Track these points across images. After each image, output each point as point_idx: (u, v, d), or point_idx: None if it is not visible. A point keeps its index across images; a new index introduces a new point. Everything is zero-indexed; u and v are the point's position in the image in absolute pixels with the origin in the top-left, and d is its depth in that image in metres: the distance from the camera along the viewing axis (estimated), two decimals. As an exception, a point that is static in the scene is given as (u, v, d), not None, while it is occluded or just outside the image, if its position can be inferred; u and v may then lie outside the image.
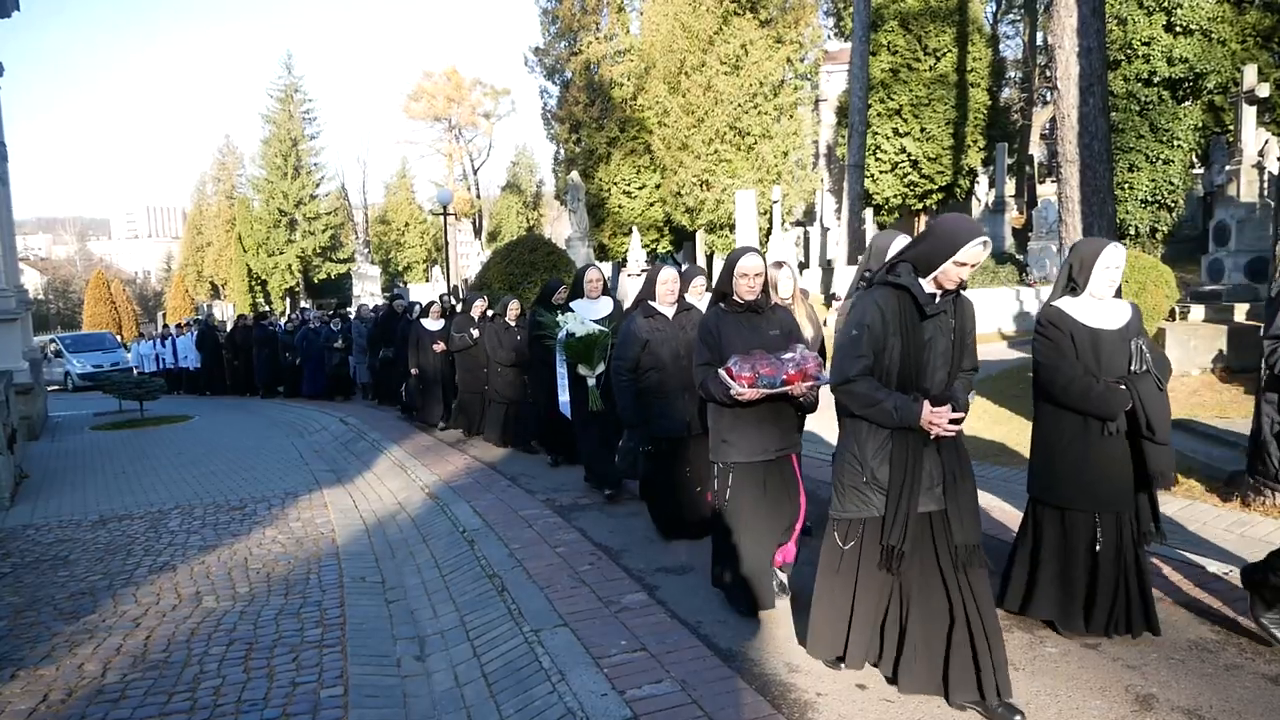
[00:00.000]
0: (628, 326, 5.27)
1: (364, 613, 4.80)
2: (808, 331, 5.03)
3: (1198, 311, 11.31)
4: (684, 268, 6.33)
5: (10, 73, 12.23)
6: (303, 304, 43.13)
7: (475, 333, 9.38)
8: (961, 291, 3.22)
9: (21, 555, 6.28)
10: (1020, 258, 19.94)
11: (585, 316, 6.45)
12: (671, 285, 5.31)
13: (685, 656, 3.65)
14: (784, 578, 4.26)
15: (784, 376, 3.80)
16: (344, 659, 4.14)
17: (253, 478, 8.85)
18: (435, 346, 10.47)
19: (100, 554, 6.19)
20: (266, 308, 43.00)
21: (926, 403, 3.08)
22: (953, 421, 3.08)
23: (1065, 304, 3.67)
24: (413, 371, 10.94)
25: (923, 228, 3.13)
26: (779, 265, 5.07)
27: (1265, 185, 13.34)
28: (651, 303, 5.30)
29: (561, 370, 6.62)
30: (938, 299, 3.13)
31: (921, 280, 3.11)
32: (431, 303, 11.45)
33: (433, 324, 10.87)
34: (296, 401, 16.39)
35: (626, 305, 7.84)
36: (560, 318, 6.43)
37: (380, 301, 24.60)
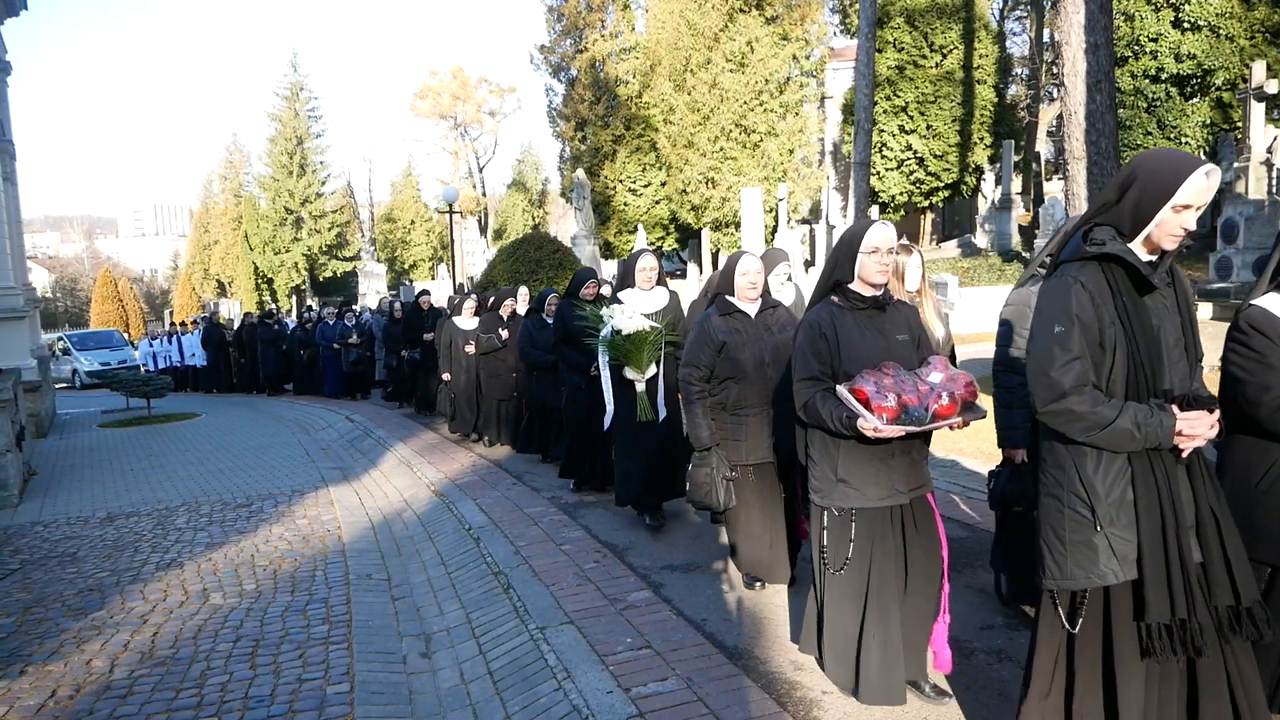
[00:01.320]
0: (700, 326, 4.33)
1: (370, 610, 4.82)
2: (938, 332, 4.16)
3: (1205, 309, 11.28)
4: (764, 251, 5.33)
5: (18, 71, 12.27)
6: (309, 301, 43.24)
7: (505, 334, 8.52)
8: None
9: (30, 552, 6.31)
10: (1027, 255, 19.88)
11: (635, 310, 5.43)
12: (754, 278, 4.30)
13: (691, 654, 3.65)
14: (942, 683, 3.26)
15: (934, 408, 2.86)
16: (350, 656, 4.15)
17: (259, 475, 8.87)
18: (466, 348, 9.32)
19: (108, 551, 6.22)
20: (272, 305, 43.11)
21: (1174, 408, 2.26)
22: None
23: (1273, 303, 2.78)
24: (444, 377, 9.66)
25: (1120, 172, 2.38)
26: (907, 250, 4.11)
27: (1274, 182, 13.29)
28: (729, 298, 4.31)
29: (605, 374, 5.65)
30: (1157, 267, 2.35)
31: (1131, 244, 2.34)
32: (465, 297, 9.97)
33: (466, 322, 9.57)
34: (303, 399, 16.43)
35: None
36: (605, 311, 5.48)
37: (387, 294, 24.60)
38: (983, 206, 24.93)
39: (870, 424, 2.82)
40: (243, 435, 12.03)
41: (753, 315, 4.29)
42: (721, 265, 4.62)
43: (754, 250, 5.87)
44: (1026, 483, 3.55)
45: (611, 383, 5.63)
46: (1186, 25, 18.40)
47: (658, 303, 5.66)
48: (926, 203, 26.17)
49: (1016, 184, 24.50)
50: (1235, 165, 14.04)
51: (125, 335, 36.09)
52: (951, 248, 25.11)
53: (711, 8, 25.85)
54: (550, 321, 7.50)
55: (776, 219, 24.24)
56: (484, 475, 7.70)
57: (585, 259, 19.19)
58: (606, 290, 6.56)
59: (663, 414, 5.50)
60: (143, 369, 23.07)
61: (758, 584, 4.40)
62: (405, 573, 5.55)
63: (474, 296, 9.42)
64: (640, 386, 5.43)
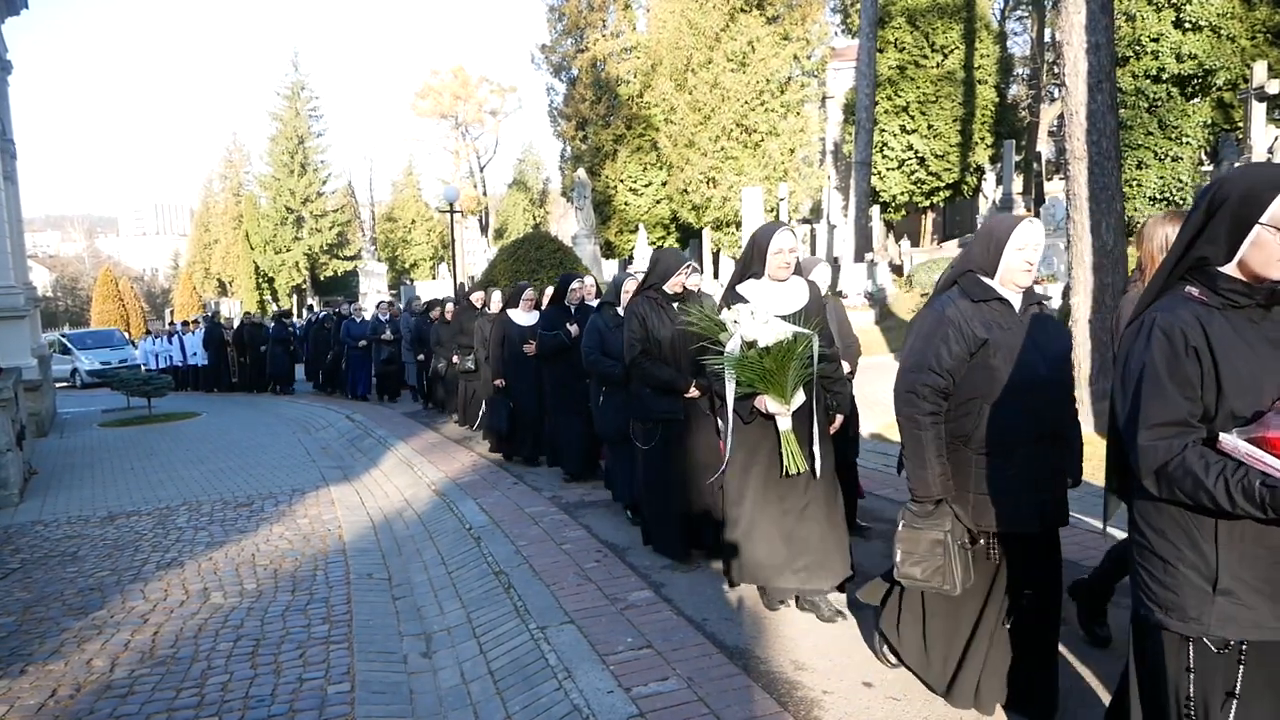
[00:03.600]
0: (939, 314, 2.92)
1: (371, 609, 4.81)
2: None
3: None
4: (1023, 218, 3.05)
5: (19, 70, 12.28)
6: (309, 301, 43.25)
7: (575, 329, 6.80)
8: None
9: (30, 551, 6.31)
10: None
11: (769, 311, 3.85)
12: (1031, 254, 2.90)
13: (691, 654, 3.65)
14: None
15: None
16: (351, 655, 4.15)
17: (260, 475, 8.87)
18: (526, 348, 7.56)
19: (108, 550, 6.22)
20: (280, 305, 43.13)
21: None
22: None
23: None
24: (496, 384, 8.03)
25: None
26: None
27: (1275, 182, 13.27)
28: (984, 279, 2.95)
29: (729, 406, 3.93)
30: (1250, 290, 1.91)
31: (1223, 268, 1.94)
32: (521, 288, 8.10)
33: (524, 317, 7.84)
34: (304, 398, 16.43)
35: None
36: (727, 314, 3.91)
37: (385, 297, 24.55)
38: (984, 206, 24.92)
39: None
40: (243, 434, 12.03)
41: (1017, 307, 2.92)
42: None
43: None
44: None
45: (733, 418, 3.95)
46: (1188, 25, 18.37)
47: (796, 299, 4.00)
48: (927, 202, 26.16)
49: (1018, 184, 24.49)
50: (1236, 165, 14.05)
51: (126, 335, 36.10)
52: (952, 248, 25.11)
53: (713, 7, 25.85)
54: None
55: (777, 218, 24.23)
56: (485, 475, 7.69)
57: (586, 259, 19.19)
58: (696, 280, 5.01)
59: (818, 463, 3.87)
60: (143, 368, 23.09)
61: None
62: (406, 572, 5.55)
63: (581, 279, 7.53)
64: (785, 423, 3.80)
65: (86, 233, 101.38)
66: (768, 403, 3.80)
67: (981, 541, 2.92)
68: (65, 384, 25.29)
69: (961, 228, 29.15)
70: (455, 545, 5.77)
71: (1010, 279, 2.90)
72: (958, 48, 24.10)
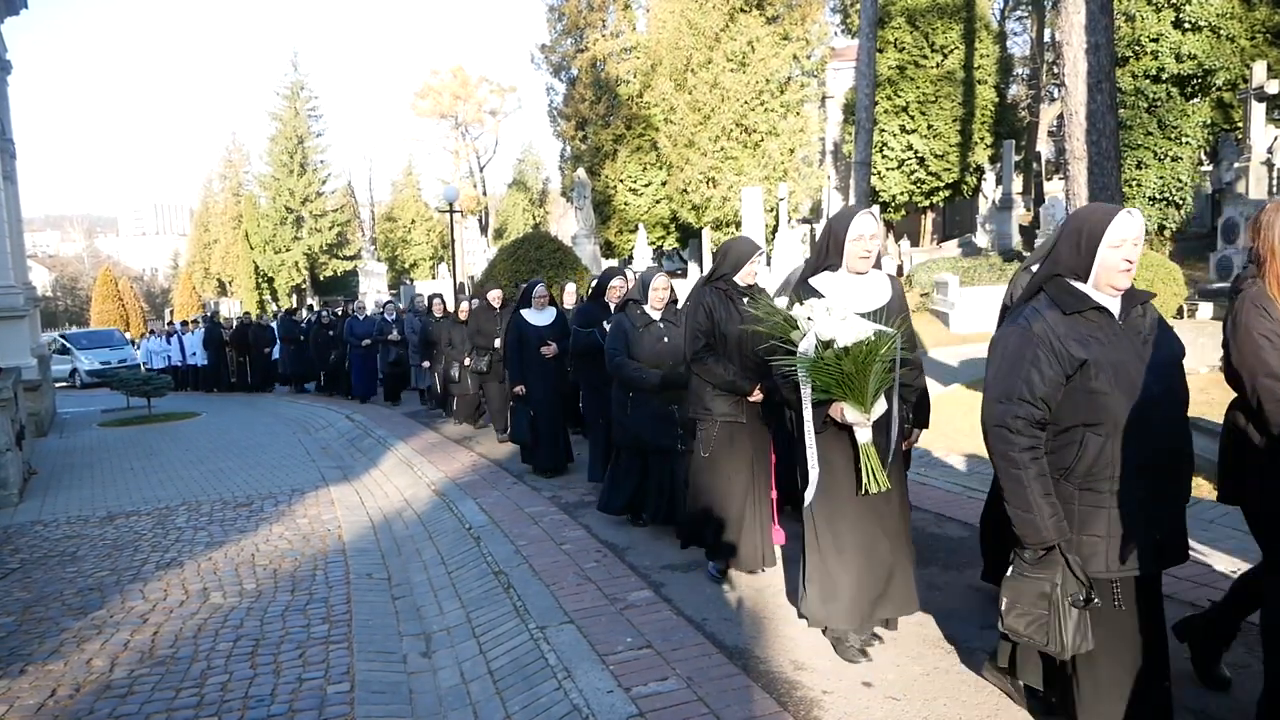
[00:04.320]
0: (1026, 325, 2.54)
1: (370, 609, 4.81)
2: None
3: (1206, 309, 11.28)
4: (1118, 209, 2.61)
5: (18, 70, 12.27)
6: (309, 301, 43.24)
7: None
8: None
9: (30, 551, 6.31)
10: (1028, 255, 19.87)
11: (848, 307, 3.39)
12: (1131, 251, 2.53)
13: (691, 654, 3.65)
14: None
15: None
16: (350, 655, 4.15)
17: (260, 475, 8.87)
18: (544, 350, 7.11)
19: (108, 550, 6.22)
20: (280, 305, 43.13)
21: None
22: None
23: None
24: (515, 391, 7.38)
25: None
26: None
27: (1274, 182, 13.28)
28: (1076, 284, 2.56)
29: (806, 414, 3.46)
30: None
31: None
32: (533, 284, 7.59)
33: (538, 317, 7.32)
34: (303, 398, 16.43)
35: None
36: (801, 310, 3.44)
37: (386, 296, 24.51)
38: (983, 206, 24.91)
39: None
40: (243, 434, 12.03)
41: (1116, 314, 2.55)
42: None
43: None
44: None
45: (814, 433, 3.46)
46: (1187, 25, 18.37)
47: (877, 294, 3.52)
48: (927, 202, 26.16)
49: (1017, 184, 24.51)
50: (1236, 165, 14.03)
51: (127, 334, 36.11)
52: (952, 247, 25.11)
53: (712, 7, 25.84)
54: (652, 314, 5.27)
55: (777, 218, 24.22)
56: (484, 475, 7.69)
57: (586, 259, 19.17)
58: (756, 271, 4.47)
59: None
60: (143, 368, 23.08)
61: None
62: (406, 572, 5.55)
63: (624, 275, 6.88)
64: (865, 435, 3.36)
65: (86, 232, 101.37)
66: (845, 411, 3.32)
67: (1097, 600, 2.48)
68: (65, 384, 25.29)
69: (961, 228, 29.14)
70: (455, 545, 5.77)
71: (1108, 282, 2.51)
72: (957, 48, 24.09)
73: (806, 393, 3.39)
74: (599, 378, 6.16)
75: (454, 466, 8.17)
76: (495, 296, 9.52)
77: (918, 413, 3.77)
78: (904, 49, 24.22)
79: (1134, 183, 18.72)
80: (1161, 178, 18.85)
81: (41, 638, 4.56)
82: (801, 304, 3.44)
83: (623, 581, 4.62)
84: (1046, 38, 31.51)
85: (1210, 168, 20.45)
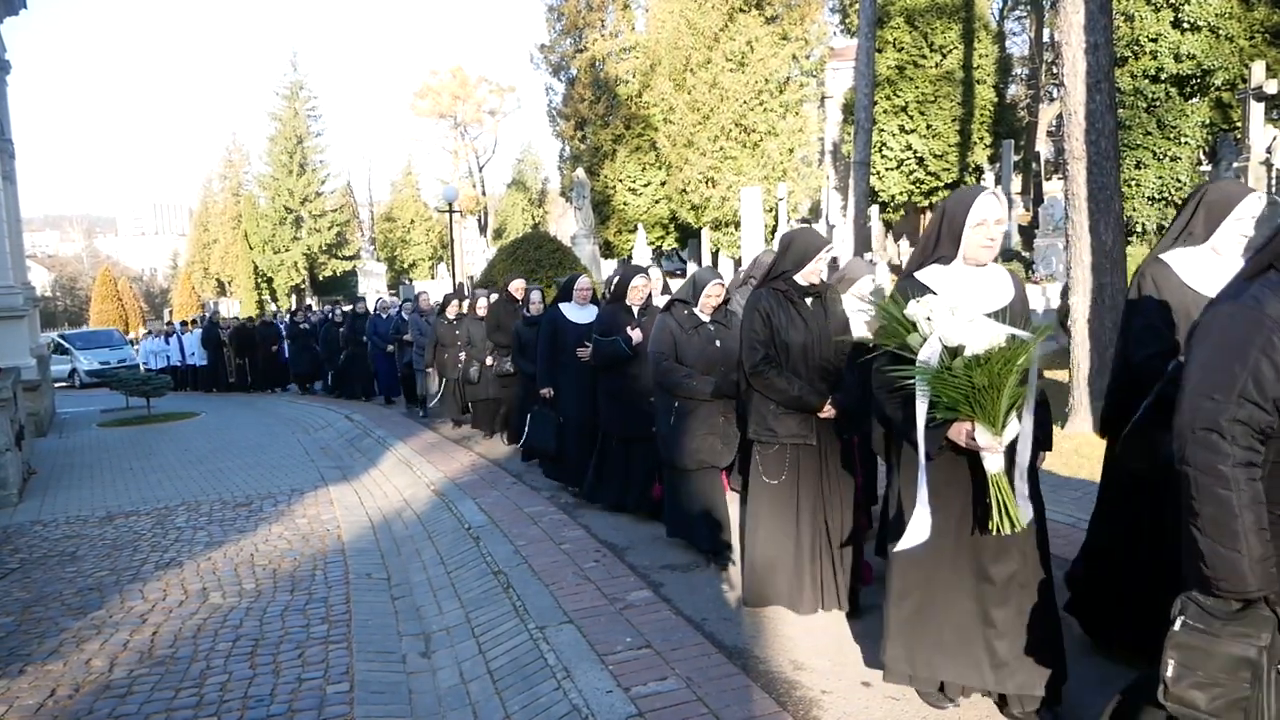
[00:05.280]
0: (1247, 319, 1.92)
1: (370, 609, 4.81)
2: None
3: (1205, 309, 11.28)
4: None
5: (18, 70, 12.26)
6: (309, 300, 43.23)
7: (636, 335, 5.56)
8: None
9: (29, 551, 6.31)
10: (1027, 255, 19.89)
11: (972, 307, 2.83)
12: None
13: (691, 654, 3.65)
14: None
15: None
16: (350, 655, 4.15)
17: (259, 475, 8.87)
18: (580, 351, 6.21)
19: (107, 550, 6.22)
20: (279, 305, 43.16)
21: None
22: None
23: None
24: (544, 394, 6.63)
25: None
26: None
27: (1273, 181, 13.29)
28: None
29: (920, 437, 2.84)
30: None
31: None
32: (574, 278, 6.86)
33: (579, 313, 6.56)
34: (304, 398, 16.42)
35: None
36: (914, 308, 2.84)
37: (391, 296, 24.37)
38: (982, 206, 24.95)
39: None
40: (242, 434, 12.02)
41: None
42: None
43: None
44: None
45: (926, 462, 2.85)
46: (1186, 25, 18.39)
47: (999, 292, 3.00)
48: (926, 202, 26.18)
49: (1016, 184, 24.54)
50: (1235, 165, 14.05)
51: (127, 334, 36.12)
52: (951, 247, 25.12)
53: (711, 7, 25.86)
54: (698, 314, 4.80)
55: (776, 218, 24.25)
56: (484, 475, 7.69)
57: (585, 259, 19.18)
58: (823, 269, 3.91)
59: (1027, 515, 2.84)
60: (143, 368, 23.08)
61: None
62: (405, 572, 5.55)
63: (647, 273, 6.14)
64: (996, 463, 2.78)
65: (85, 232, 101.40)
66: (976, 433, 2.73)
67: None
68: (64, 384, 25.29)
69: (960, 227, 29.16)
70: (454, 545, 5.77)
71: None
72: (956, 47, 24.13)
73: (923, 410, 2.77)
74: (626, 388, 5.60)
75: (453, 466, 8.17)
76: (518, 287, 8.64)
77: (1043, 432, 3.00)
78: (903, 49, 24.25)
79: (1133, 182, 18.75)
80: (1160, 177, 18.87)
81: (41, 638, 4.55)
82: (918, 302, 2.83)
83: (622, 581, 4.62)
84: (1045, 37, 31.52)
85: (1209, 167, 20.46)
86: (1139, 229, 19.14)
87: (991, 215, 2.90)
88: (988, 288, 2.96)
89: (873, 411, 3.53)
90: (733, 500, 4.80)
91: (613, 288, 6.11)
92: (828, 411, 3.79)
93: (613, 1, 31.08)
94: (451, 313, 10.51)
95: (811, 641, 3.73)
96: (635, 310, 5.76)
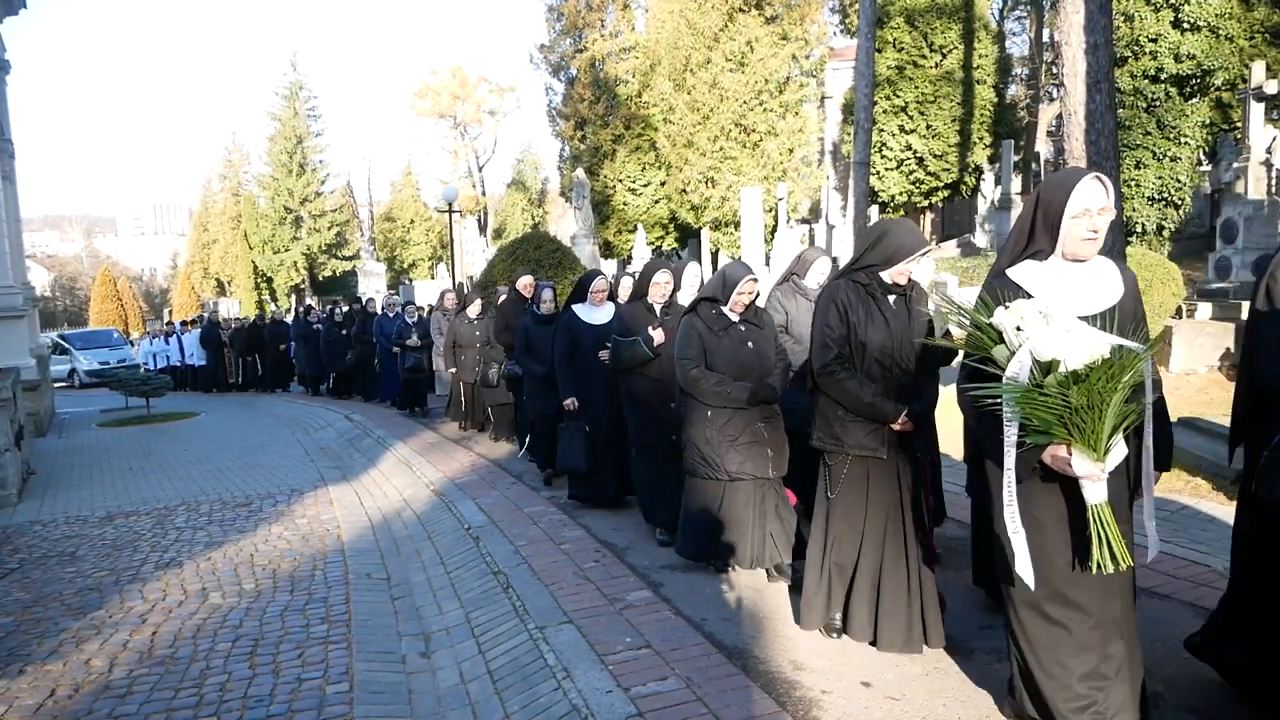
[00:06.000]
0: None
1: (369, 609, 4.81)
2: None
3: (1205, 309, 11.27)
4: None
5: (18, 70, 12.25)
6: (308, 300, 43.23)
7: (658, 334, 5.15)
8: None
9: (29, 551, 6.31)
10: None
11: (1069, 313, 2.48)
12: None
13: (690, 654, 3.65)
14: None
15: None
16: (349, 655, 4.15)
17: (259, 475, 8.87)
18: (602, 354, 5.82)
19: (107, 550, 6.22)
20: (279, 305, 43.17)
21: None
22: None
23: None
24: (567, 405, 6.07)
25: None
26: None
27: (1273, 182, 13.29)
28: None
29: (1008, 462, 2.50)
30: None
31: None
32: (593, 275, 6.37)
33: (596, 314, 6.15)
34: (303, 399, 16.40)
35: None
36: (1005, 316, 2.51)
37: (398, 296, 24.27)
38: (982, 206, 24.93)
39: None
40: (242, 435, 12.02)
41: None
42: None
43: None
44: None
45: (1011, 483, 2.52)
46: (1186, 25, 18.38)
47: (1107, 291, 2.65)
48: (926, 202, 26.19)
49: (1016, 184, 24.50)
50: (1235, 165, 14.03)
51: (126, 335, 36.12)
52: (951, 247, 25.12)
53: (711, 7, 25.84)
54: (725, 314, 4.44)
55: (776, 219, 24.24)
56: (484, 475, 7.69)
57: (585, 259, 19.16)
58: (913, 271, 3.52)
59: (1154, 550, 2.63)
60: (142, 368, 23.07)
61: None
62: (405, 572, 5.55)
63: (669, 268, 5.51)
64: (1099, 493, 2.44)
65: (85, 232, 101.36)
66: (1073, 459, 2.38)
67: None
68: (64, 384, 25.29)
69: (960, 228, 29.15)
70: (454, 545, 5.77)
71: None
72: (956, 48, 24.12)
73: (1011, 434, 2.42)
74: (642, 388, 5.23)
75: (453, 466, 8.16)
76: (526, 284, 8.12)
77: (1157, 450, 2.59)
78: (903, 49, 24.25)
79: (1133, 183, 18.74)
80: (1160, 178, 18.86)
81: (40, 638, 4.55)
82: (1004, 306, 2.48)
83: (622, 581, 4.62)
84: (1045, 38, 31.52)
85: (1209, 168, 20.46)
86: (1139, 229, 19.14)
87: (1095, 203, 2.54)
88: (1092, 287, 2.59)
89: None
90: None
91: (634, 284, 5.66)
92: (903, 423, 3.42)
93: (613, 1, 31.06)
94: (473, 311, 9.87)
95: (811, 641, 3.72)
96: (658, 308, 5.33)
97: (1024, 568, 2.51)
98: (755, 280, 4.41)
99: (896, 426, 3.43)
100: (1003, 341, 2.49)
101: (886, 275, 3.44)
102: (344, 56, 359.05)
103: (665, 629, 3.93)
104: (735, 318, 4.43)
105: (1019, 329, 2.42)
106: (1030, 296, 2.53)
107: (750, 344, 4.40)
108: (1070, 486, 2.49)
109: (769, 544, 4.42)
